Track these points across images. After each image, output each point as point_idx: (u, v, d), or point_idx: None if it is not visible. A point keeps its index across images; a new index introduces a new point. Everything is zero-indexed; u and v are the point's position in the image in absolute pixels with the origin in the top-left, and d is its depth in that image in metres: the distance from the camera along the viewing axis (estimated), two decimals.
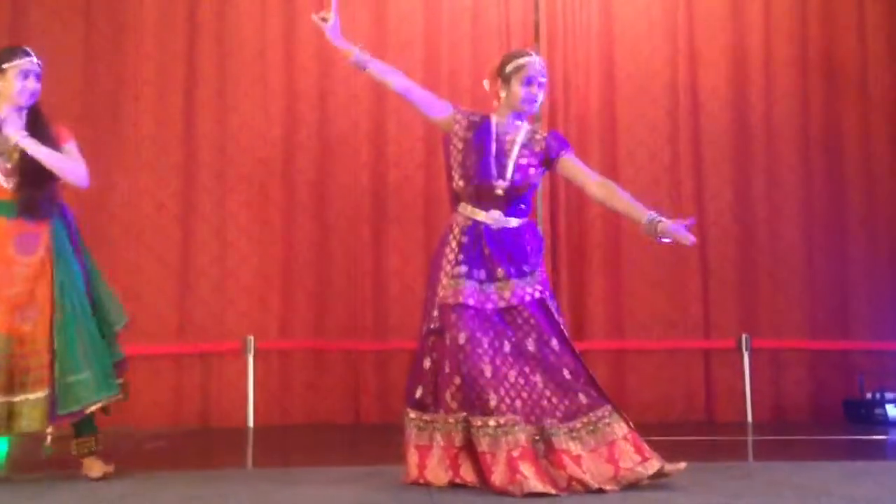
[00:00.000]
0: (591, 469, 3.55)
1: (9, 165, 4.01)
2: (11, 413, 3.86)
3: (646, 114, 7.34)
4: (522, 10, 7.35)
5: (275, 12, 7.21)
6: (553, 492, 3.41)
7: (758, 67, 7.41)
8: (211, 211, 7.04)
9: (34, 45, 6.63)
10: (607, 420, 3.67)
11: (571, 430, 3.62)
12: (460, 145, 3.89)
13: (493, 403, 3.57)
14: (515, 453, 3.49)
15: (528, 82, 3.86)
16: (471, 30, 7.32)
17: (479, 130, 3.89)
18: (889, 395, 6.72)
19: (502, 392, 3.61)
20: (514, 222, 3.86)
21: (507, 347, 3.72)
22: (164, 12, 7.11)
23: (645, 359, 7.11)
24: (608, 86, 7.35)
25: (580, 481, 3.48)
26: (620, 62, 7.37)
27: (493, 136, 3.87)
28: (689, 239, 3.64)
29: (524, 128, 3.93)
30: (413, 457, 3.74)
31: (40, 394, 3.88)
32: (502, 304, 3.76)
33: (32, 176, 4.00)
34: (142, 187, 6.95)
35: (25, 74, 4.06)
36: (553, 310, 3.81)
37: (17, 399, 3.87)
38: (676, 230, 3.64)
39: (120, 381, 4.12)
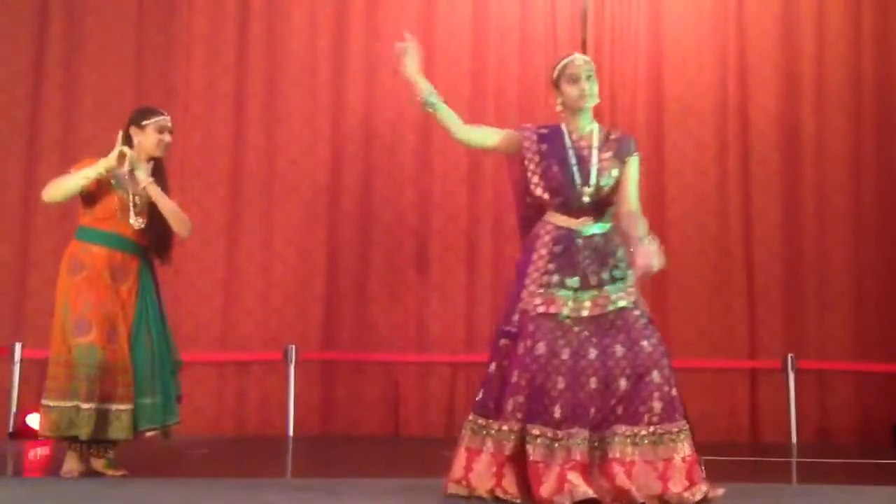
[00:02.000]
0: (640, 480, 3.51)
1: (138, 204, 4.40)
2: (104, 420, 4.20)
3: (693, 131, 7.28)
4: (570, 26, 7.33)
5: (325, 26, 7.25)
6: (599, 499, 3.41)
7: (809, 85, 7.31)
8: (257, 221, 7.09)
9: (87, 53, 6.96)
10: (673, 436, 3.61)
11: (635, 435, 3.57)
12: (537, 158, 3.84)
13: (557, 415, 3.55)
14: (568, 466, 3.49)
15: (575, 79, 3.83)
16: (518, 45, 7.32)
17: (553, 141, 3.85)
18: None
19: (572, 405, 3.57)
20: (603, 227, 3.83)
21: (592, 354, 3.65)
22: (215, 24, 7.18)
23: (690, 377, 6.97)
24: (656, 102, 7.30)
25: (626, 494, 3.45)
26: (668, 79, 7.32)
27: (569, 144, 3.85)
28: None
29: (596, 130, 3.90)
30: (461, 458, 3.72)
31: (128, 406, 4.26)
32: (596, 311, 3.71)
33: (160, 219, 4.42)
34: (188, 196, 6.98)
35: (161, 129, 4.47)
36: (644, 314, 3.77)
37: (111, 408, 4.22)
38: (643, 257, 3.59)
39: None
